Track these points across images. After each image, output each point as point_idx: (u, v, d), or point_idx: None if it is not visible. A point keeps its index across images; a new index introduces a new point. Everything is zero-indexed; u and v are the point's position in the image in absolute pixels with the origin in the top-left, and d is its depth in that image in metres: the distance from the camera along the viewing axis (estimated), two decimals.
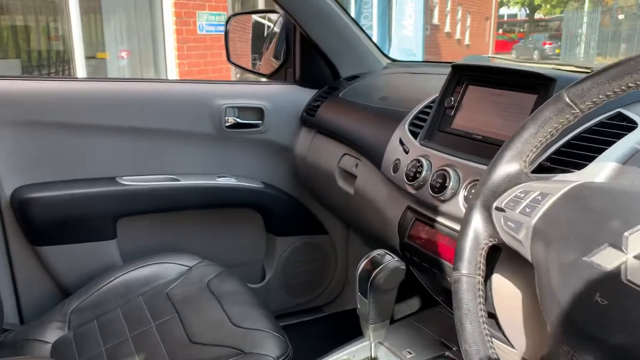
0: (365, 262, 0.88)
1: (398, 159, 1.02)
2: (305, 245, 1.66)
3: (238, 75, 6.96)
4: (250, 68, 1.85)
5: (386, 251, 0.89)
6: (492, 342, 0.60)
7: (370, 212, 1.19)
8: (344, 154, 1.34)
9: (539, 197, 0.57)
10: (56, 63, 5.47)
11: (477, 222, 0.63)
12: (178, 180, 1.46)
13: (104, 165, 1.39)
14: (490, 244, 0.63)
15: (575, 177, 0.67)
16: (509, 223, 0.59)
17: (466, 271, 0.62)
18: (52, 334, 1.18)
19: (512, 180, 0.62)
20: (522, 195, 0.59)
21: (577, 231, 0.51)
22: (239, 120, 1.50)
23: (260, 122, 1.52)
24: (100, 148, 1.38)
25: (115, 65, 5.85)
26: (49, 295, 1.37)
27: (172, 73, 5.77)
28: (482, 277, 0.63)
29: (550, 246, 0.53)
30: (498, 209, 0.61)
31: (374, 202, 1.16)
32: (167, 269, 1.31)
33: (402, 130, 1.06)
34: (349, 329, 1.73)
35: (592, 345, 0.47)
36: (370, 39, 1.59)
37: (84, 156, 1.37)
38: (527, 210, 0.57)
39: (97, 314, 1.20)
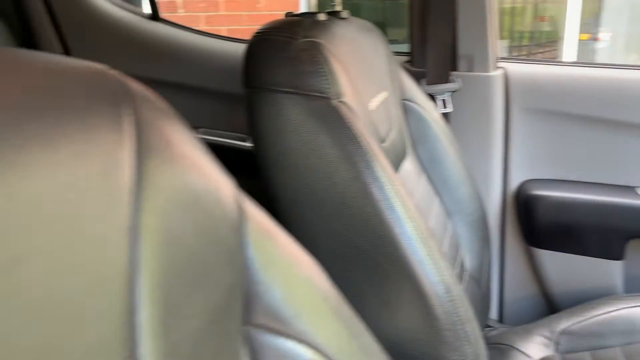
0: None
1: None
2: None
3: None
4: None
5: None
6: None
7: None
8: None
9: None
10: (541, 45, 5.42)
11: None
12: None
13: (619, 170, 1.16)
14: None
15: None
16: None
17: None
18: (537, 349, 1.06)
19: None
20: None
21: None
22: None
23: None
24: (618, 149, 1.15)
25: (591, 48, 5.37)
26: (532, 301, 1.26)
27: None
28: None
29: None
30: None
31: None
32: None
33: None
34: None
35: None
36: None
37: (599, 156, 1.17)
38: None
39: (591, 345, 1.02)
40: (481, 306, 1.09)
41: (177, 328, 0.24)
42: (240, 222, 0.31)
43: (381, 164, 0.65)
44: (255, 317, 0.30)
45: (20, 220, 0.18)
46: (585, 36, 5.60)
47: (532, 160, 1.21)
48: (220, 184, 0.30)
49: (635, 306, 1.05)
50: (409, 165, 0.99)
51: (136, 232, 0.23)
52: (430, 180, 1.05)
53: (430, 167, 1.05)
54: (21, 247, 0.18)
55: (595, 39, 5.48)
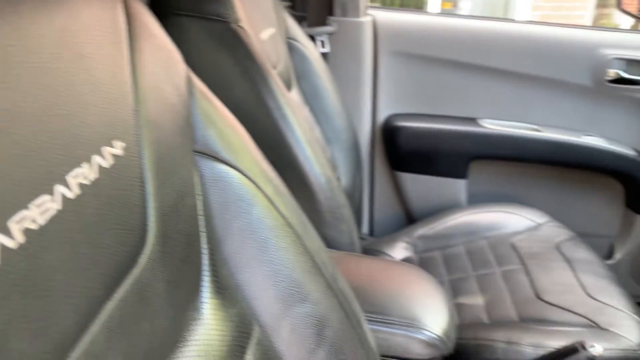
0: None
1: None
2: None
3: None
4: None
5: None
6: None
7: None
8: None
9: None
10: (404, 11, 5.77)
11: None
12: (538, 130, 1.38)
13: (466, 105, 1.41)
14: None
15: None
16: None
17: None
18: (400, 252, 1.28)
19: None
20: None
21: None
22: (624, 74, 1.31)
23: None
24: (465, 87, 1.39)
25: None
26: (397, 216, 1.49)
27: None
28: None
29: None
30: None
31: None
32: (513, 219, 1.27)
33: None
34: None
35: None
36: None
37: (450, 93, 1.40)
38: None
39: (441, 245, 1.25)
40: (354, 220, 1.28)
41: (159, 125, 0.36)
42: (189, 80, 0.43)
43: (274, 79, 0.79)
44: (197, 146, 0.43)
45: (64, 39, 0.30)
46: (448, 5, 6.09)
47: (397, 97, 1.42)
48: (175, 52, 0.42)
49: (474, 213, 1.30)
50: (294, 95, 1.13)
51: (134, 63, 0.35)
52: (313, 111, 1.20)
53: (311, 100, 1.20)
54: (78, 50, 0.30)
55: (456, 7, 5.97)
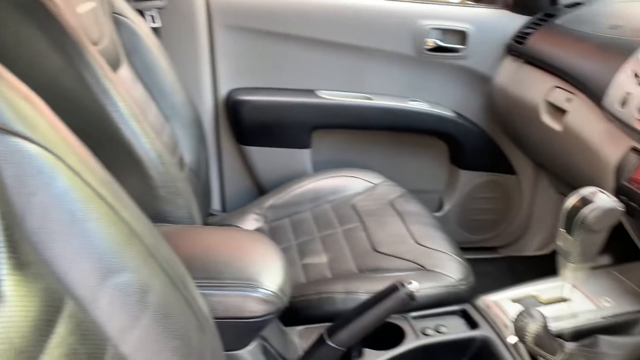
0: (575, 198, 0.82)
1: (629, 93, 0.90)
2: (490, 182, 1.60)
3: None
4: None
5: (599, 189, 0.82)
6: None
7: (578, 151, 1.09)
8: (555, 87, 1.23)
9: None
10: None
11: None
12: (371, 99, 1.48)
13: (304, 77, 1.46)
14: None
15: None
16: None
17: None
18: (250, 223, 1.31)
19: None
20: None
21: None
22: (440, 43, 1.45)
23: (462, 46, 1.45)
24: (302, 59, 1.44)
25: None
26: (247, 189, 1.52)
27: None
28: None
29: None
30: None
31: (585, 140, 1.06)
32: (353, 182, 1.36)
33: (637, 62, 0.94)
34: (524, 275, 1.66)
35: None
36: None
37: (288, 66, 1.44)
38: None
39: (289, 213, 1.30)
40: (203, 197, 1.28)
41: None
42: None
43: (91, 54, 0.75)
44: None
45: None
46: None
47: (237, 71, 1.43)
48: None
49: (318, 179, 1.37)
50: (124, 72, 1.09)
51: None
52: (147, 88, 1.17)
53: (145, 76, 1.17)
54: None
55: None
